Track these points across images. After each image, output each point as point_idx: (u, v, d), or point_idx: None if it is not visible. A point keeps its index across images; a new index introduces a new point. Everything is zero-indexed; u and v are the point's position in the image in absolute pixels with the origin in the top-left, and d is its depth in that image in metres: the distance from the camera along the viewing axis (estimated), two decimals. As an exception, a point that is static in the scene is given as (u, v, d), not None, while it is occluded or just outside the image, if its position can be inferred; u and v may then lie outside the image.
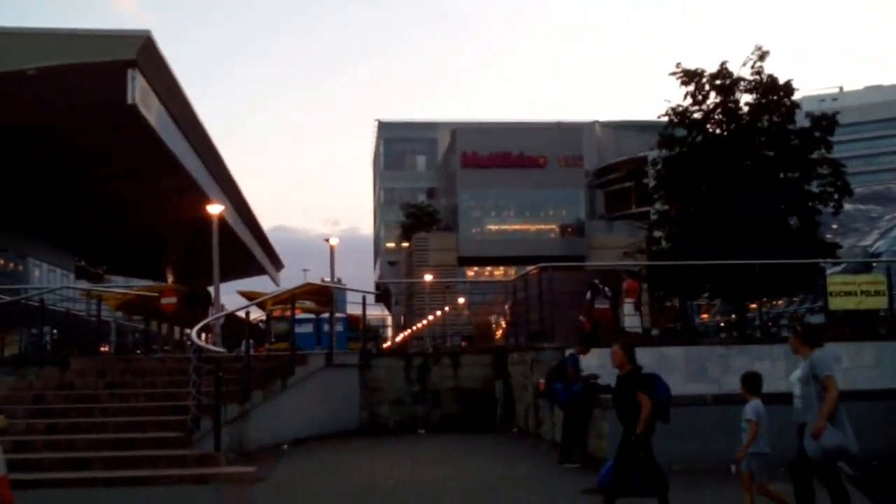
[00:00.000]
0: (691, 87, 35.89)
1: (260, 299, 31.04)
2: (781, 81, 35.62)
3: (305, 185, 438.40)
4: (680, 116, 36.05)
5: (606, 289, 23.85)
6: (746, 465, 11.13)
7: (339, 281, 46.49)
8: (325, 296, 30.24)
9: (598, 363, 17.77)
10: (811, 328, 11.46)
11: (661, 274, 33.03)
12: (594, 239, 79.80)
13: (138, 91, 27.00)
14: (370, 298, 29.94)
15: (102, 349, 30.21)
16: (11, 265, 48.72)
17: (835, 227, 54.57)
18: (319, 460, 18.99)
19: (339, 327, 27.67)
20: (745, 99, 35.95)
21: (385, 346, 48.05)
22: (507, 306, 31.45)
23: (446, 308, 46.52)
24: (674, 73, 36.21)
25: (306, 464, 18.32)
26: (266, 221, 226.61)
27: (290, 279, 76.11)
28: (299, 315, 28.82)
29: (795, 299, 49.94)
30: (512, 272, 63.95)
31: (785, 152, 34.96)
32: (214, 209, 31.41)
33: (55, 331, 29.95)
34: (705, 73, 35.80)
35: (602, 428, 16.09)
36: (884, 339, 22.41)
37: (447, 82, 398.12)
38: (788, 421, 10.67)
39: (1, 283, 40.05)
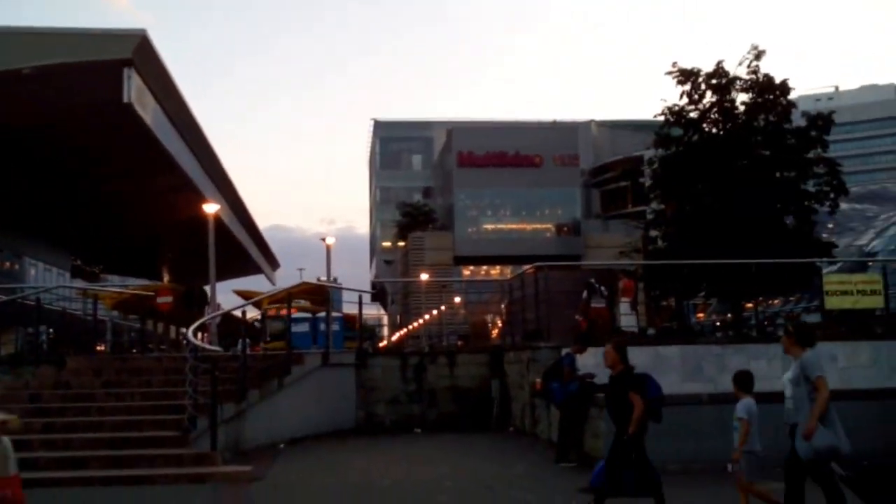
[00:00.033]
0: (687, 87, 35.89)
1: (256, 298, 31.05)
2: (777, 81, 35.64)
3: (302, 184, 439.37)
4: (676, 116, 36.05)
5: (603, 288, 23.86)
6: (742, 465, 11.15)
7: (336, 280, 46.50)
8: (322, 295, 30.24)
9: (594, 362, 17.75)
10: (803, 328, 11.44)
11: (658, 273, 33.05)
12: (590, 238, 79.78)
13: (134, 90, 26.99)
14: (366, 298, 29.91)
15: (98, 348, 30.21)
16: (7, 264, 48.70)
17: (830, 226, 54.58)
18: (316, 459, 18.99)
19: (335, 326, 27.66)
20: (742, 98, 35.97)
21: (381, 345, 48.11)
22: (503, 305, 31.45)
23: (442, 307, 46.55)
24: (670, 73, 36.23)
25: (303, 463, 18.31)
26: (262, 220, 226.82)
27: (286, 278, 76.28)
28: (295, 314, 28.81)
29: (791, 299, 49.98)
30: (508, 271, 63.88)
31: (781, 151, 34.97)
32: (210, 208, 31.38)
33: (51, 330, 29.95)
34: (701, 73, 35.79)
35: (598, 427, 16.10)
36: (880, 338, 22.42)
37: (443, 82, 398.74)
38: (783, 422, 10.68)
39: (-3, 283, 40.07)
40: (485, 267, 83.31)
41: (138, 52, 26.48)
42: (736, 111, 35.87)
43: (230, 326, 35.00)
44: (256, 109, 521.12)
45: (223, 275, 43.80)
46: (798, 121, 36.23)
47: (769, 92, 35.57)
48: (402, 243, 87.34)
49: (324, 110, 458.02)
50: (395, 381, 25.43)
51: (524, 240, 79.80)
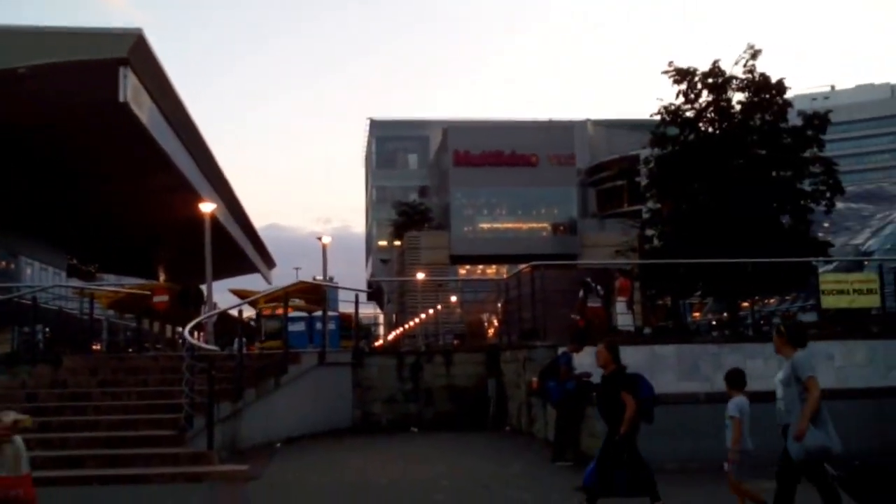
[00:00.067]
0: (684, 86, 35.92)
1: (253, 297, 31.06)
2: (774, 80, 35.67)
3: (298, 183, 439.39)
4: (672, 115, 36.08)
5: (599, 287, 23.86)
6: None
7: (332, 279, 46.46)
8: (318, 294, 30.25)
9: (590, 362, 17.70)
10: (795, 328, 11.40)
11: (654, 272, 33.05)
12: (586, 237, 79.88)
13: (130, 89, 26.98)
14: (362, 297, 29.90)
15: (94, 347, 30.18)
16: (3, 263, 48.59)
17: (826, 225, 54.56)
18: (313, 459, 18.99)
19: (331, 326, 27.66)
20: (738, 97, 36.00)
21: (377, 344, 48.11)
22: (499, 304, 31.46)
23: (438, 306, 46.56)
24: (666, 72, 36.27)
25: (299, 462, 18.32)
26: (258, 219, 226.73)
27: (281, 277, 76.22)
28: (291, 313, 28.80)
29: (787, 298, 49.99)
30: (504, 270, 64.00)
31: (777, 151, 35.01)
32: (207, 207, 31.39)
33: (47, 329, 29.89)
34: (697, 72, 35.82)
35: (595, 426, 16.08)
36: (876, 337, 22.43)
37: (439, 81, 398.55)
38: (776, 422, 10.67)
39: (-7, 282, 40.01)
40: (481, 266, 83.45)
41: (134, 51, 26.46)
42: (732, 110, 35.90)
43: (226, 325, 34.96)
44: (252, 108, 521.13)
45: (219, 274, 43.81)
46: (794, 120, 36.27)
47: (765, 91, 35.61)
48: (398, 242, 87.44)
49: (320, 109, 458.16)
50: (391, 380, 25.42)
51: (520, 239, 79.87)
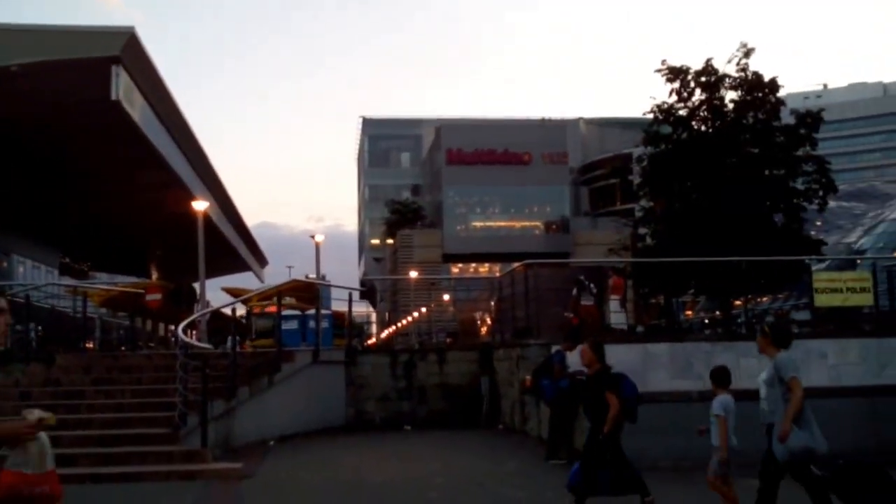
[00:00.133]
0: (676, 84, 35.85)
1: (246, 296, 31.04)
2: (767, 78, 35.67)
3: (290, 181, 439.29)
4: (665, 113, 36.01)
5: (592, 286, 23.88)
6: (712, 459, 11.16)
7: (324, 277, 46.48)
8: (310, 292, 30.23)
9: (583, 360, 17.79)
10: (779, 328, 11.42)
11: (647, 271, 33.04)
12: (579, 235, 79.90)
13: (122, 87, 26.96)
14: (356, 295, 29.92)
15: (87, 346, 30.16)
16: (-5, 261, 48.56)
17: (819, 224, 54.58)
18: (306, 457, 18.99)
19: (324, 324, 27.65)
20: (731, 96, 35.93)
21: (370, 342, 48.10)
22: (492, 303, 31.47)
23: (431, 305, 46.55)
24: (659, 70, 36.20)
25: (293, 460, 18.33)
26: (251, 218, 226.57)
27: (274, 276, 76.14)
28: (284, 312, 28.79)
29: (780, 296, 50.04)
30: (497, 269, 64.04)
31: (770, 149, 34.97)
32: (200, 206, 31.37)
33: (39, 327, 29.87)
34: (690, 70, 35.76)
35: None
36: (869, 335, 22.48)
37: (432, 80, 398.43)
38: (760, 422, 10.67)
39: (-15, 280, 39.95)
40: (473, 264, 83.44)
41: (126, 49, 26.44)
42: (725, 109, 35.84)
43: (218, 323, 34.97)
44: (245, 107, 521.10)
45: (212, 272, 43.78)
46: (787, 119, 36.26)
47: (758, 90, 35.58)
48: (390, 241, 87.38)
49: (312, 108, 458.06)
50: (385, 378, 25.44)
51: (513, 237, 79.93)
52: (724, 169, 33.96)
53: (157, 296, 32.61)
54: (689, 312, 53.06)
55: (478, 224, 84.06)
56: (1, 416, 17.16)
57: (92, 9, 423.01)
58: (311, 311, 28.86)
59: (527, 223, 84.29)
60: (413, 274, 64.13)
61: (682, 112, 35.89)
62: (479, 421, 24.57)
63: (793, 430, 9.70)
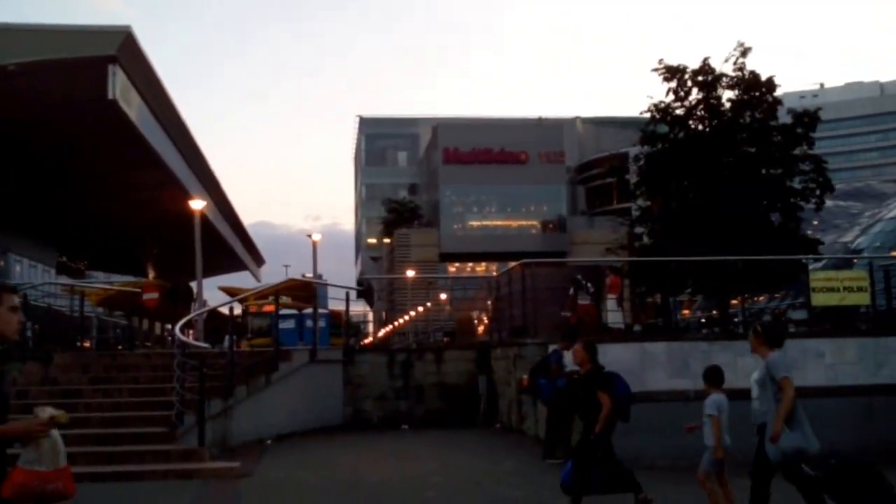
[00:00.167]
0: (673, 84, 35.92)
1: (243, 295, 31.06)
2: (763, 78, 35.71)
3: (287, 180, 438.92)
4: (662, 113, 36.08)
5: (589, 285, 23.90)
6: (704, 457, 11.18)
7: (321, 277, 46.43)
8: (308, 292, 30.24)
9: (579, 359, 17.79)
10: (771, 327, 11.43)
11: (643, 270, 33.06)
12: (575, 235, 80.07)
13: (119, 87, 26.90)
14: (353, 294, 29.93)
15: (84, 345, 30.14)
16: (-8, 261, 48.50)
17: (815, 223, 54.64)
18: (303, 456, 18.98)
19: (321, 323, 27.64)
20: (728, 95, 36.01)
21: (366, 341, 48.09)
22: (489, 302, 31.48)
23: (428, 304, 46.52)
24: (656, 70, 36.26)
25: (290, 459, 18.32)
26: (247, 217, 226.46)
27: (271, 275, 75.98)
28: (280, 311, 28.79)
29: (777, 295, 50.08)
30: (493, 268, 64.10)
31: (767, 148, 35.06)
32: (197, 205, 31.34)
33: (36, 326, 29.83)
34: (687, 70, 35.82)
35: (586, 424, 16.14)
36: (865, 335, 22.49)
37: (428, 79, 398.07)
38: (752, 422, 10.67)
39: (-18, 279, 39.91)
40: (470, 263, 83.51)
41: (123, 48, 26.40)
42: (722, 108, 35.91)
43: (215, 322, 34.96)
44: (242, 106, 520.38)
45: (208, 271, 43.70)
46: (784, 118, 36.32)
47: (755, 89, 35.64)
48: (387, 240, 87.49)
49: (309, 107, 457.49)
50: (382, 377, 25.42)
51: (509, 236, 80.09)
52: (720, 168, 34.02)
53: (154, 295, 32.60)
54: (686, 312, 53.15)
55: (474, 223, 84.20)
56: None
57: (92, 8, 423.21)
58: (308, 311, 28.86)
59: (523, 222, 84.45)
60: (410, 273, 64.20)
61: (679, 111, 35.97)
62: (476, 420, 24.57)
63: (784, 431, 9.69)
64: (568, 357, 17.94)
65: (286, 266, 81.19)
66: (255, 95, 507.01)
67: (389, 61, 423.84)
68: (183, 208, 33.00)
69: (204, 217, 33.99)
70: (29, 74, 25.85)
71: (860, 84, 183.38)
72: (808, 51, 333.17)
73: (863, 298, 24.25)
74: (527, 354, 20.90)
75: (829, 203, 41.32)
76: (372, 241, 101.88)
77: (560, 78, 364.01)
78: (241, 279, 69.15)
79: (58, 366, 22.43)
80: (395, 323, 57.86)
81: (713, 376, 11.43)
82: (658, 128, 36.57)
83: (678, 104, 35.96)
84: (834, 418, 14.97)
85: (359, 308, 77.71)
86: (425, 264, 75.03)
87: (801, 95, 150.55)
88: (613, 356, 18.24)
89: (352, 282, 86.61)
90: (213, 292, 52.40)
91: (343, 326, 28.91)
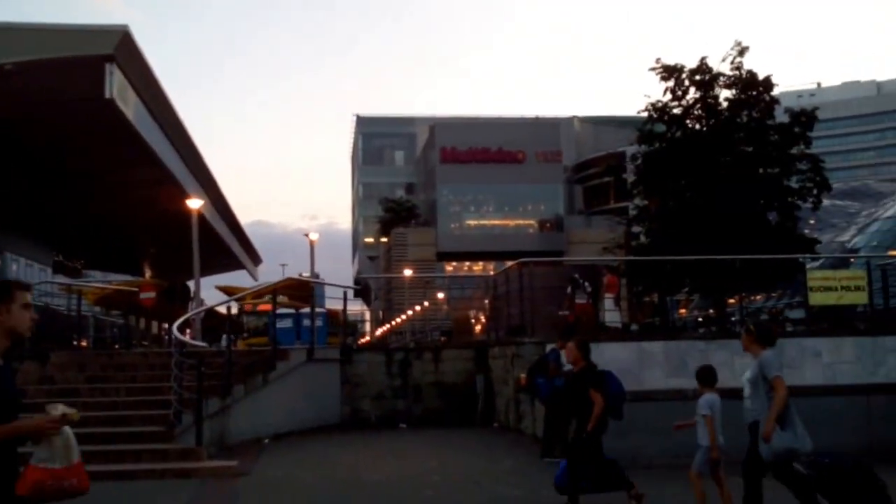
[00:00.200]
0: (671, 83, 35.92)
1: (241, 294, 31.07)
2: (761, 77, 35.72)
3: (284, 179, 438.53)
4: (659, 112, 36.07)
5: (586, 284, 23.91)
6: (697, 456, 11.18)
7: (318, 276, 46.45)
8: (305, 291, 30.23)
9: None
10: (764, 326, 11.43)
11: (641, 269, 33.06)
12: (573, 234, 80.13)
13: (116, 86, 26.87)
14: (350, 293, 29.95)
15: (81, 344, 30.14)
16: (-11, 260, 48.47)
17: (812, 222, 54.68)
18: (301, 455, 18.97)
19: (318, 322, 27.64)
20: (725, 94, 36.02)
21: (363, 340, 48.10)
22: (487, 301, 31.49)
23: (425, 303, 46.52)
24: (653, 69, 36.25)
25: (288, 458, 18.30)
26: (244, 216, 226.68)
27: (268, 274, 76.03)
28: (277, 310, 28.80)
29: (774, 294, 50.11)
30: (490, 267, 64.11)
31: (764, 148, 35.06)
32: (194, 204, 31.34)
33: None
34: (685, 69, 35.82)
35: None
36: (863, 334, 22.51)
37: (426, 78, 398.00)
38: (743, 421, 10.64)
39: (-22, 278, 39.81)
40: (467, 263, 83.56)
41: (120, 47, 26.37)
42: (719, 107, 35.91)
43: (212, 322, 34.97)
44: (238, 105, 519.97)
45: (205, 270, 43.67)
46: (781, 117, 36.34)
47: (752, 88, 35.64)
48: (384, 239, 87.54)
49: (306, 106, 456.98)
50: (380, 376, 25.41)
51: (507, 236, 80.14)
52: (718, 167, 34.03)
53: (151, 294, 32.61)
54: (683, 311, 53.16)
55: (472, 222, 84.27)
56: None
57: (92, 8, 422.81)
58: (306, 310, 28.86)
59: (521, 221, 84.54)
60: (407, 272, 64.18)
61: (677, 110, 35.97)
62: (474, 419, 24.55)
63: (776, 431, 9.66)
64: (566, 356, 17.98)
65: (283, 265, 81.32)
66: (252, 94, 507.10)
67: (387, 61, 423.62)
68: (180, 207, 33.02)
69: (201, 216, 34.03)
70: (26, 73, 25.82)
71: (857, 83, 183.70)
72: (807, 50, 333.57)
73: (860, 298, 24.27)
74: (524, 353, 20.91)
75: (826, 202, 41.32)
76: (369, 240, 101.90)
77: (559, 78, 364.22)
78: (238, 278, 69.11)
79: (55, 365, 22.42)
80: (393, 322, 57.86)
81: (706, 376, 11.44)
82: (655, 127, 36.57)
83: (675, 103, 35.96)
84: (831, 417, 14.99)
85: (356, 307, 77.88)
86: (422, 263, 75.09)
87: (799, 94, 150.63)
88: (611, 355, 18.26)
89: (349, 281, 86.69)
90: (210, 291, 52.34)
91: (340, 326, 28.92)
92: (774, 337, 10.65)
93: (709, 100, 35.75)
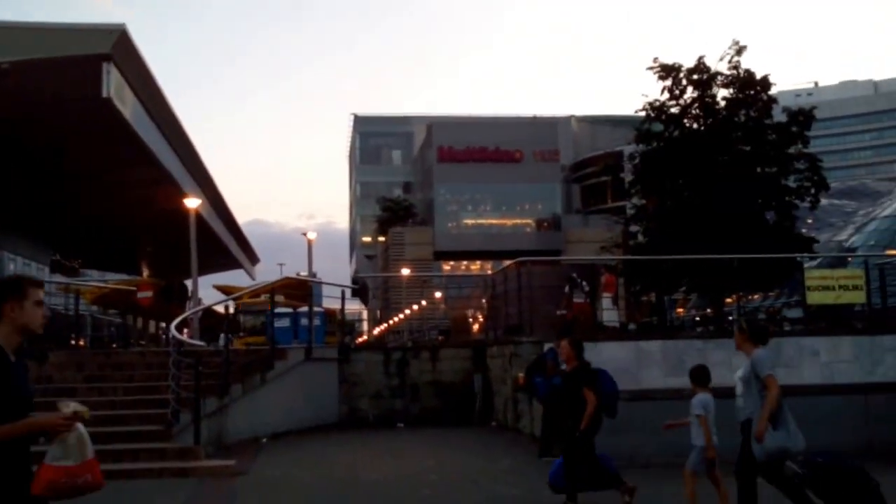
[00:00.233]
0: (668, 82, 35.96)
1: (239, 293, 31.05)
2: (758, 76, 35.74)
3: (281, 179, 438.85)
4: (657, 111, 36.12)
5: (584, 283, 23.91)
6: (692, 455, 11.16)
7: (315, 275, 46.45)
8: (302, 290, 30.22)
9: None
10: (756, 324, 11.40)
11: (638, 268, 33.07)
12: (570, 233, 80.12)
13: (113, 85, 26.87)
14: (348, 293, 29.96)
15: (79, 343, 30.13)
16: (-14, 259, 48.45)
17: (809, 221, 54.69)
18: (299, 454, 18.94)
19: (316, 321, 27.62)
20: (722, 94, 36.08)
21: (361, 340, 48.10)
22: (484, 300, 31.50)
23: (423, 302, 46.52)
24: (651, 68, 36.30)
25: (286, 457, 18.27)
26: (242, 215, 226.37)
27: (265, 273, 76.12)
28: (276, 309, 28.80)
29: (772, 294, 50.13)
30: (488, 266, 64.11)
31: (762, 147, 35.11)
32: (192, 203, 31.32)
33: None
34: (682, 68, 35.85)
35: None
36: (861, 333, 22.51)
37: (423, 77, 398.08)
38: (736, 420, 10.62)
39: (-25, 278, 39.74)
40: (465, 262, 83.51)
41: (117, 47, 26.36)
42: (717, 106, 35.97)
43: (210, 321, 34.97)
44: (236, 104, 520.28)
45: (203, 269, 43.67)
46: (779, 116, 36.36)
47: (750, 87, 35.69)
48: (382, 238, 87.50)
49: (304, 105, 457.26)
50: (378, 375, 25.38)
51: (504, 235, 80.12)
52: (715, 166, 34.08)
53: (149, 293, 32.60)
54: (681, 310, 53.17)
55: (469, 221, 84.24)
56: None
57: (89, 7, 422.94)
58: (303, 309, 28.85)
59: (518, 221, 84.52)
60: (405, 271, 64.14)
61: (674, 110, 36.04)
62: (472, 418, 24.52)
63: (768, 431, 9.61)
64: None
65: (281, 264, 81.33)
66: (250, 94, 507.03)
67: (385, 60, 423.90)
68: (178, 206, 33.00)
69: (199, 215, 34.03)
70: (23, 73, 25.80)
71: (854, 82, 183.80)
72: (805, 50, 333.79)
73: (858, 297, 24.27)
74: (522, 353, 20.89)
75: (823, 201, 41.38)
76: (366, 239, 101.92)
77: (558, 77, 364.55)
78: (235, 277, 69.15)
79: (52, 364, 22.37)
80: (391, 321, 57.87)
81: (699, 376, 11.44)
82: (653, 126, 36.63)
83: (673, 102, 36.03)
84: (829, 417, 14.98)
85: (354, 306, 77.90)
86: (420, 263, 75.11)
87: (796, 94, 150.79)
88: (609, 354, 18.27)
89: (346, 280, 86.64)
90: (207, 290, 52.34)
91: (338, 325, 28.90)
92: (767, 335, 10.60)
93: (706, 99, 35.81)
